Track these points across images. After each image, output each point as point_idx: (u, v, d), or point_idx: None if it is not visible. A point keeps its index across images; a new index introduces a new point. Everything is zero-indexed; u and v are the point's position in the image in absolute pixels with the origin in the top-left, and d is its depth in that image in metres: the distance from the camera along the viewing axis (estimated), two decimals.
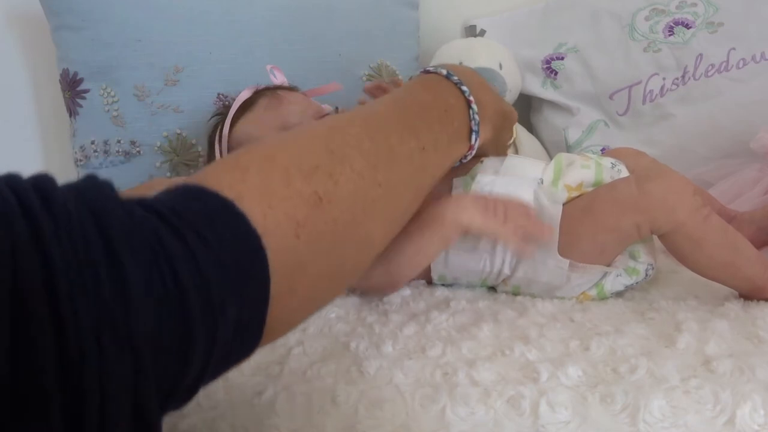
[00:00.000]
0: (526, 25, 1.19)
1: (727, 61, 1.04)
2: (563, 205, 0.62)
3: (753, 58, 1.03)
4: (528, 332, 0.52)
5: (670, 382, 0.42)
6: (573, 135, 1.12)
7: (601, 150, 1.08)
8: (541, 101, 1.18)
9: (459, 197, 0.60)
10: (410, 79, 0.56)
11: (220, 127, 0.77)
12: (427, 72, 0.55)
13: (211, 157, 0.78)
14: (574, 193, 0.63)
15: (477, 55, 1.10)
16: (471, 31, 1.24)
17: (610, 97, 1.10)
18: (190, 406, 0.45)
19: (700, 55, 1.05)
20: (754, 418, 0.39)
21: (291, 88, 0.82)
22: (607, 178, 0.63)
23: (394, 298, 0.62)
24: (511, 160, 0.66)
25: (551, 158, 0.70)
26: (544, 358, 0.48)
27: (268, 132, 0.73)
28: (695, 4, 1.09)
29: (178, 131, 1.00)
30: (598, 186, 0.63)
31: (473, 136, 0.54)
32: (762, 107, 1.00)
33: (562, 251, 0.60)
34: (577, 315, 0.57)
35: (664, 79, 1.07)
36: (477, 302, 0.61)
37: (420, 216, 0.55)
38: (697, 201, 0.58)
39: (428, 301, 0.62)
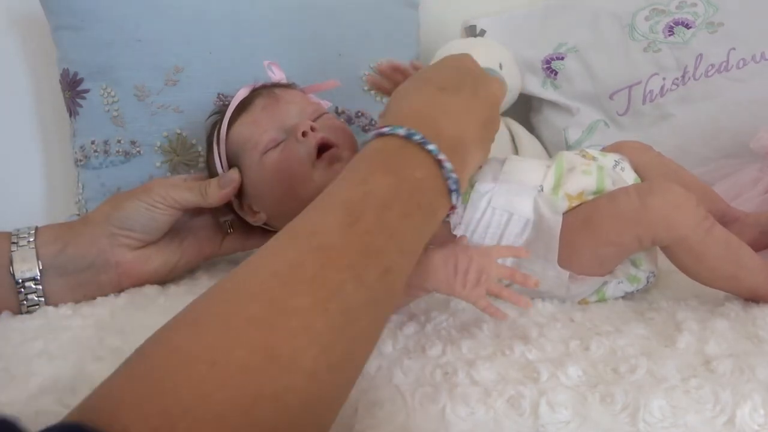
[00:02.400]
0: (526, 25, 1.19)
1: (727, 61, 1.04)
2: (563, 214, 0.60)
3: (753, 58, 1.03)
4: (528, 332, 0.52)
5: (670, 381, 0.42)
6: (573, 135, 1.12)
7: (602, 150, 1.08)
8: (541, 101, 1.18)
9: (430, 257, 0.54)
10: (365, 145, 0.48)
11: (218, 128, 0.76)
12: (381, 134, 0.47)
13: (209, 157, 0.77)
14: (575, 202, 0.61)
15: (477, 55, 1.09)
16: (471, 31, 1.24)
17: (610, 97, 1.10)
18: None
19: (700, 55, 1.05)
20: (754, 417, 0.39)
21: (289, 85, 0.80)
22: (608, 184, 0.62)
23: None
24: (510, 163, 0.64)
25: (551, 156, 0.69)
26: (545, 357, 0.48)
27: (265, 134, 0.71)
28: (695, 4, 1.09)
29: (178, 131, 0.99)
30: (600, 195, 0.61)
31: (453, 196, 0.48)
32: (762, 107, 1.00)
33: (562, 262, 0.59)
34: (577, 315, 0.57)
35: (664, 79, 1.07)
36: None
37: None
38: (699, 214, 0.57)
39: (428, 301, 0.61)
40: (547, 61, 1.15)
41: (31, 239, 0.64)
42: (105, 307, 0.64)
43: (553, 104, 1.15)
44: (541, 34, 1.17)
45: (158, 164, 0.99)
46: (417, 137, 0.46)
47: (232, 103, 0.75)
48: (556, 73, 1.14)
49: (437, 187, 0.46)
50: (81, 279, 0.67)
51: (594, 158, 0.66)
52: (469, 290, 0.52)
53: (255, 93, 0.76)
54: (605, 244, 0.59)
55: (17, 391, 0.47)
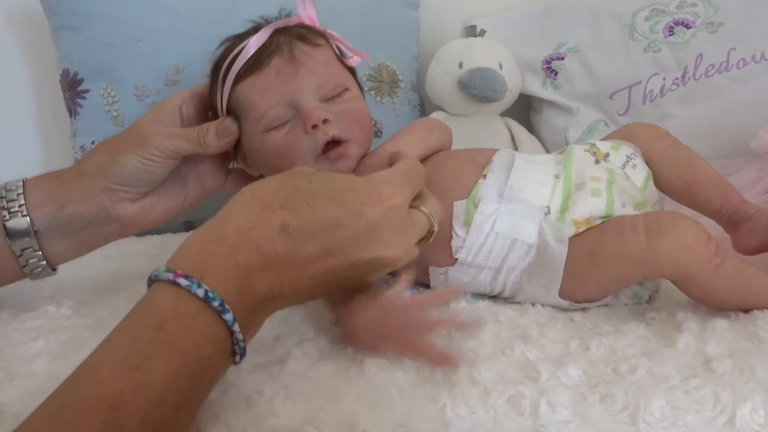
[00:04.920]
0: (526, 25, 1.19)
1: (727, 61, 1.04)
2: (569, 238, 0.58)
3: (753, 58, 1.03)
4: (528, 332, 0.52)
5: (671, 381, 0.42)
6: (573, 135, 1.12)
7: None
8: (541, 101, 1.18)
9: (354, 320, 0.51)
10: (151, 294, 0.40)
11: (224, 71, 0.66)
12: (176, 283, 0.39)
13: (212, 88, 0.68)
14: (582, 228, 0.58)
15: (477, 55, 1.10)
16: (471, 31, 1.24)
17: (610, 97, 1.10)
18: None
19: (700, 55, 1.05)
20: (754, 418, 0.39)
21: (318, 33, 0.69)
22: (618, 206, 0.59)
23: None
24: (517, 175, 0.61)
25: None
26: (545, 357, 0.48)
27: (273, 109, 0.62)
28: (695, 4, 1.09)
29: None
30: (608, 220, 0.58)
31: (237, 357, 0.42)
32: (762, 107, 1.00)
33: (565, 289, 0.58)
34: (578, 315, 0.58)
35: (664, 79, 1.07)
36: (477, 302, 0.61)
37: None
38: (709, 252, 0.54)
39: None
40: (547, 61, 1.15)
41: (23, 203, 0.59)
42: (105, 307, 0.64)
43: (553, 104, 1.15)
44: (541, 34, 1.17)
45: None
46: (216, 303, 0.39)
47: (247, 49, 0.64)
48: (556, 73, 1.14)
49: (223, 356, 0.41)
50: (84, 236, 0.63)
51: (605, 156, 0.64)
52: (403, 349, 0.49)
53: (274, 43, 0.65)
54: (610, 280, 0.58)
55: (17, 391, 0.47)
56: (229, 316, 0.39)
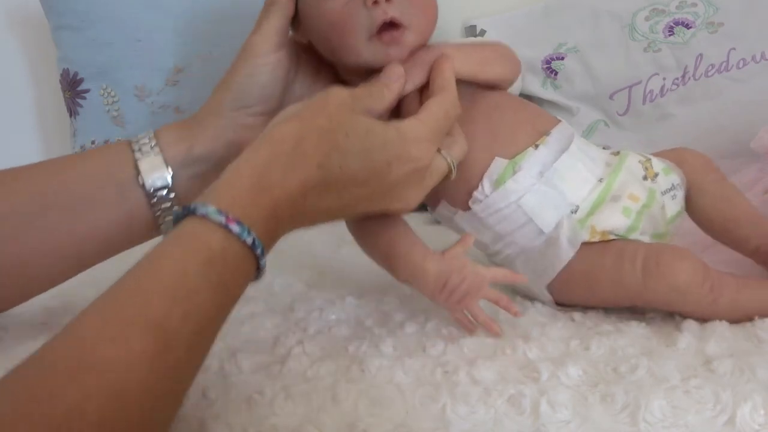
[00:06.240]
0: (526, 25, 1.19)
1: (727, 61, 1.04)
2: None
3: (753, 58, 1.03)
4: (529, 331, 0.52)
5: (671, 381, 0.42)
6: None
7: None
8: (541, 101, 1.17)
9: (426, 267, 0.53)
10: (187, 236, 0.41)
11: None
12: (227, 227, 0.40)
13: None
14: (596, 238, 0.57)
15: None
16: (471, 31, 1.24)
17: (610, 97, 1.10)
18: (188, 405, 0.45)
19: (700, 55, 1.05)
20: (755, 417, 0.39)
21: None
22: (637, 232, 0.58)
23: (394, 298, 0.62)
24: (566, 161, 0.59)
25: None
26: (545, 357, 0.48)
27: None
28: (695, 4, 1.08)
29: None
30: (614, 242, 0.57)
31: (261, 261, 0.43)
32: (762, 107, 1.00)
33: (555, 287, 0.58)
34: (578, 314, 0.58)
35: (664, 79, 1.07)
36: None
37: (413, 250, 0.54)
38: (704, 290, 0.53)
39: (428, 301, 0.61)
40: (547, 61, 1.15)
41: (154, 144, 0.57)
42: None
43: (553, 104, 1.15)
44: (541, 34, 1.17)
45: None
46: (258, 251, 0.42)
47: None
48: (556, 73, 1.14)
49: (250, 276, 0.43)
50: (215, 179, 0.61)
51: (655, 176, 0.62)
52: (449, 304, 0.53)
53: None
54: (601, 300, 0.58)
55: None
56: (264, 262, 0.43)
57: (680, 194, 0.63)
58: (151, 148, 0.57)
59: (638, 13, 1.11)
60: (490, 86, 0.63)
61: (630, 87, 1.09)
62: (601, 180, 0.60)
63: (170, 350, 0.35)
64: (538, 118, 0.63)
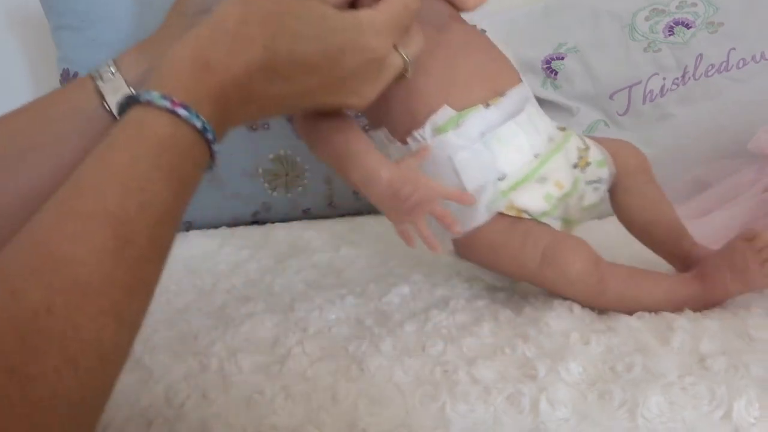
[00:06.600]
0: (526, 25, 1.19)
1: (727, 61, 1.04)
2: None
3: (753, 58, 1.03)
4: (527, 330, 0.52)
5: (667, 378, 0.43)
6: None
7: None
8: (542, 101, 1.17)
9: (380, 173, 0.53)
10: (133, 125, 0.39)
11: None
12: (174, 112, 0.39)
13: None
14: (511, 213, 0.58)
15: None
16: None
17: (610, 97, 1.10)
18: (188, 405, 0.45)
19: (700, 55, 1.05)
20: (750, 411, 0.39)
21: None
22: (551, 218, 0.60)
23: (394, 298, 0.62)
24: (511, 127, 0.59)
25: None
26: (544, 356, 0.48)
27: None
28: (695, 4, 1.09)
29: None
30: (525, 221, 0.58)
31: (213, 146, 0.41)
32: (762, 107, 1.00)
33: (460, 242, 0.60)
34: (577, 309, 0.57)
35: (664, 79, 1.07)
36: (476, 301, 0.61)
37: (364, 157, 0.53)
38: (593, 280, 0.56)
39: (427, 300, 0.62)
40: (547, 61, 1.15)
41: (114, 70, 0.56)
42: None
43: (553, 104, 1.15)
44: (541, 34, 1.17)
45: None
46: (210, 135, 0.40)
47: None
48: (556, 73, 1.14)
49: (203, 163, 0.42)
50: None
51: (586, 166, 0.62)
52: (396, 214, 0.54)
53: None
54: (498, 269, 0.61)
55: None
56: (216, 147, 0.41)
57: (603, 188, 0.64)
58: (112, 74, 0.56)
59: (638, 13, 1.11)
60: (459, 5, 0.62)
61: (630, 87, 1.09)
62: (536, 156, 0.60)
63: (131, 242, 0.34)
64: (499, 74, 0.62)
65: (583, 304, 0.57)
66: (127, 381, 0.48)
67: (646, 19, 1.10)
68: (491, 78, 0.61)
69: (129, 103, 0.40)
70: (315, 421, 0.42)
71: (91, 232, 0.33)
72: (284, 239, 0.93)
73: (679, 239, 0.64)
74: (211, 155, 0.41)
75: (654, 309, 0.56)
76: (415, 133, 0.59)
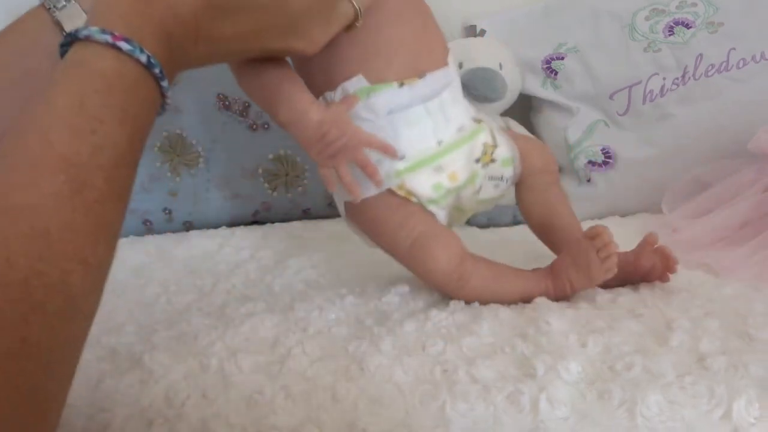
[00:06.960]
0: (526, 25, 1.19)
1: (727, 61, 1.04)
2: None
3: (753, 58, 1.03)
4: (527, 330, 0.52)
5: (666, 378, 0.43)
6: (573, 135, 1.12)
7: (601, 149, 1.08)
8: (541, 101, 1.18)
9: (309, 113, 0.54)
10: (74, 64, 0.37)
11: None
12: (116, 47, 0.37)
13: None
14: (401, 192, 0.60)
15: (477, 55, 1.10)
16: (471, 31, 1.24)
17: (610, 97, 1.10)
18: (188, 405, 0.45)
19: (700, 55, 1.05)
20: (750, 411, 0.39)
21: None
22: (438, 207, 0.62)
23: (393, 297, 0.62)
24: (420, 111, 0.59)
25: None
26: (544, 355, 0.48)
27: None
28: (695, 4, 1.09)
29: (178, 131, 1.00)
30: (408, 206, 0.60)
31: (163, 83, 0.40)
32: (762, 107, 1.00)
33: (350, 207, 0.62)
34: (577, 307, 0.58)
35: (664, 79, 1.07)
36: (475, 301, 0.61)
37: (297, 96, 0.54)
38: (455, 274, 0.59)
39: (427, 300, 0.62)
40: (547, 61, 1.15)
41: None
42: (103, 307, 0.64)
43: (553, 104, 1.15)
44: (541, 34, 1.17)
45: (158, 164, 0.99)
46: (156, 70, 0.38)
47: None
48: (556, 73, 1.14)
49: (155, 102, 0.40)
50: None
51: (490, 162, 0.63)
52: (321, 157, 0.55)
53: None
54: (377, 244, 0.64)
55: None
56: (165, 84, 0.39)
57: (504, 185, 0.65)
58: (67, 1, 0.53)
59: (638, 13, 1.11)
60: None
61: (630, 87, 1.09)
62: (439, 143, 0.60)
63: (87, 185, 0.33)
64: (425, 53, 0.61)
65: (443, 295, 0.61)
66: (127, 381, 0.48)
67: (646, 19, 1.10)
68: (415, 56, 0.60)
69: (69, 42, 0.38)
70: (315, 420, 0.42)
71: (42, 178, 0.32)
72: (284, 239, 0.93)
73: (570, 243, 0.64)
74: (163, 94, 0.40)
75: (508, 303, 0.60)
76: (327, 94, 0.59)
